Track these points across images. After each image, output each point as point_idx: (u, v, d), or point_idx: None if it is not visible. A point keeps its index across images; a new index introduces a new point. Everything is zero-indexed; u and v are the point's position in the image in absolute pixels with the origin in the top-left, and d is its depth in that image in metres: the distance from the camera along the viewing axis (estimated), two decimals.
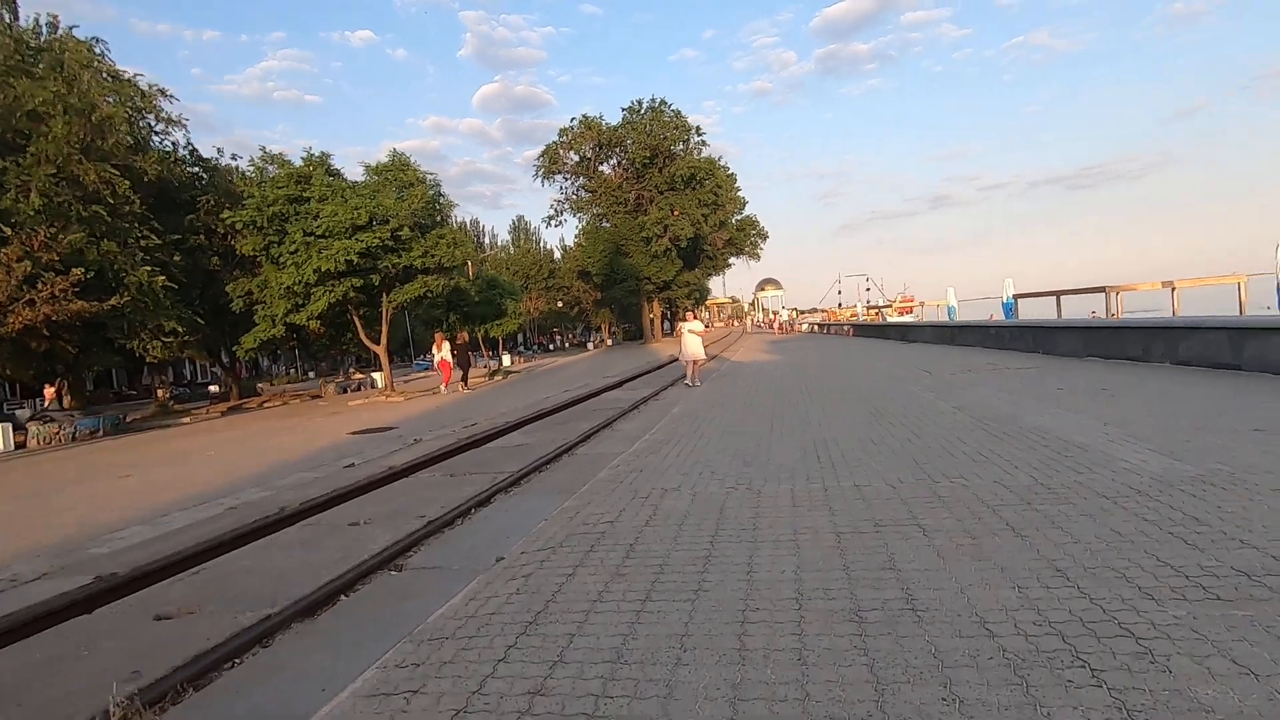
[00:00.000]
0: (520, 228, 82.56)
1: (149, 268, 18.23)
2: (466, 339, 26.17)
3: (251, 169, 19.77)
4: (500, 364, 31.02)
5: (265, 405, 22.06)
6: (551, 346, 70.08)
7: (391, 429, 12.68)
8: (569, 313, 67.60)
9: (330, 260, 17.37)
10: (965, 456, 5.87)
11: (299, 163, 18.96)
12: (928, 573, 3.37)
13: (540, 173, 51.12)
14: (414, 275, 19.85)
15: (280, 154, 19.40)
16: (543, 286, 60.37)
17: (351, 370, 33.97)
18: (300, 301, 18.80)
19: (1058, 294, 27.87)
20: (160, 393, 40.01)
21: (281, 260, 18.15)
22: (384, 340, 20.90)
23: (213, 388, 34.94)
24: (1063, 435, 6.41)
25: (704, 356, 14.87)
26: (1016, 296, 30.11)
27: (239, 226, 18.32)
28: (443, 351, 20.81)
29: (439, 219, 21.00)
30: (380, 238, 17.97)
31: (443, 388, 21.05)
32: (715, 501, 5.09)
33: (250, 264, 21.23)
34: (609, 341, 61.43)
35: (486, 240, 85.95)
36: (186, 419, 19.60)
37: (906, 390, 10.70)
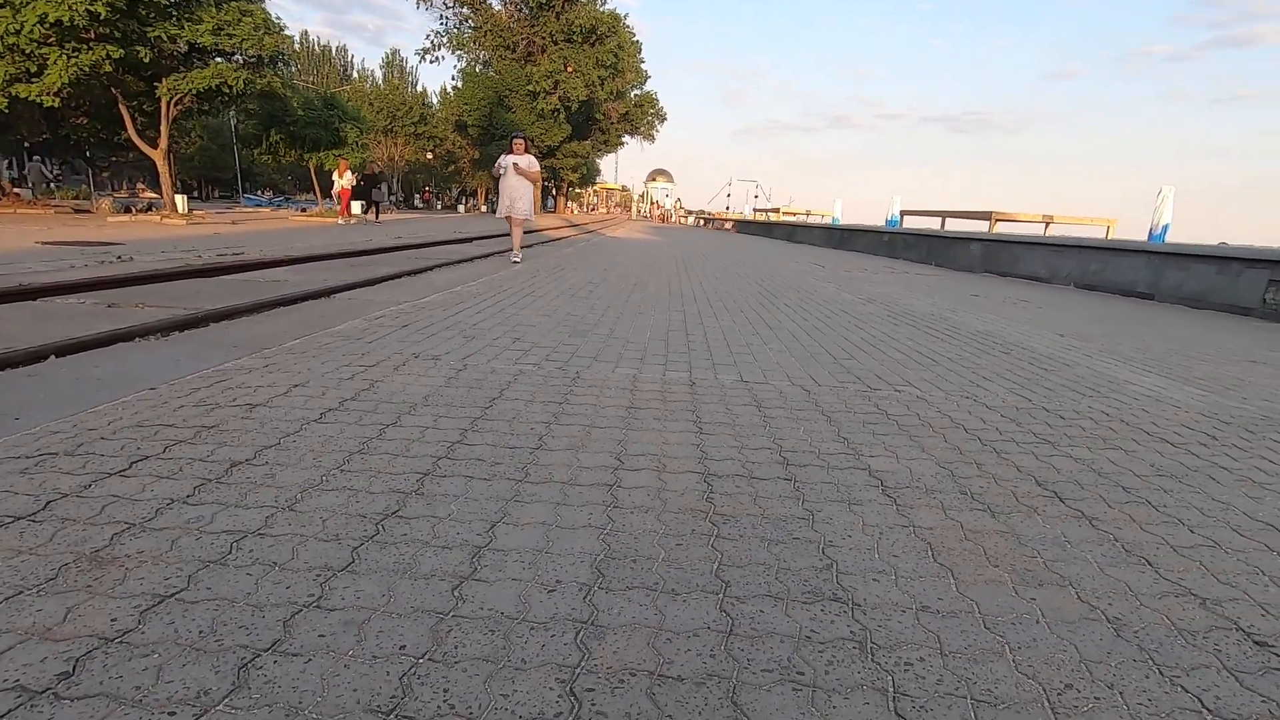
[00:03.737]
0: (394, 63, 71.34)
1: None
2: (376, 170, 24.38)
3: None
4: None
5: None
6: (420, 204, 63.34)
7: (111, 245, 9.09)
8: (442, 170, 60.85)
9: (62, 7, 12.28)
10: (901, 355, 3.86)
11: None
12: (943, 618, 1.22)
13: None
14: (208, 61, 14.90)
15: None
16: (412, 133, 53.03)
17: (139, 186, 27.40)
18: (31, 68, 13.55)
19: (944, 215, 27.16)
20: None
21: None
22: (163, 143, 15.90)
23: None
24: (1020, 342, 4.60)
25: (531, 217, 9.07)
26: (903, 213, 29.39)
27: None
28: (344, 179, 18.91)
29: None
30: None
31: (341, 219, 18.91)
32: (487, 386, 2.70)
33: None
34: (483, 208, 56.17)
35: (355, 74, 74.48)
36: None
37: (801, 278, 8.75)
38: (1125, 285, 9.54)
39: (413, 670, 1.06)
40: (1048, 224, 28.84)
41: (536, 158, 8.93)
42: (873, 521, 1.69)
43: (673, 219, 57.26)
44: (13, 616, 1.13)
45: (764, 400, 2.74)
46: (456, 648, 1.12)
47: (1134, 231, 27.82)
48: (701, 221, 52.12)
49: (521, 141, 8.72)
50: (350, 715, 0.96)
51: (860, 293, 7.28)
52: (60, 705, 0.94)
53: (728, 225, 40.55)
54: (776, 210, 60.88)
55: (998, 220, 27.31)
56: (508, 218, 8.80)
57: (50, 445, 1.91)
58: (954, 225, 29.48)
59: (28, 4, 12.51)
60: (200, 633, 1.12)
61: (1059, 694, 1.10)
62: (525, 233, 9.35)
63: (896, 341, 4.34)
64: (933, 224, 29.93)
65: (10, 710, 0.93)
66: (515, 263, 8.62)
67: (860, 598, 1.34)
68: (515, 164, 8.48)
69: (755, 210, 60.49)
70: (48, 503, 1.55)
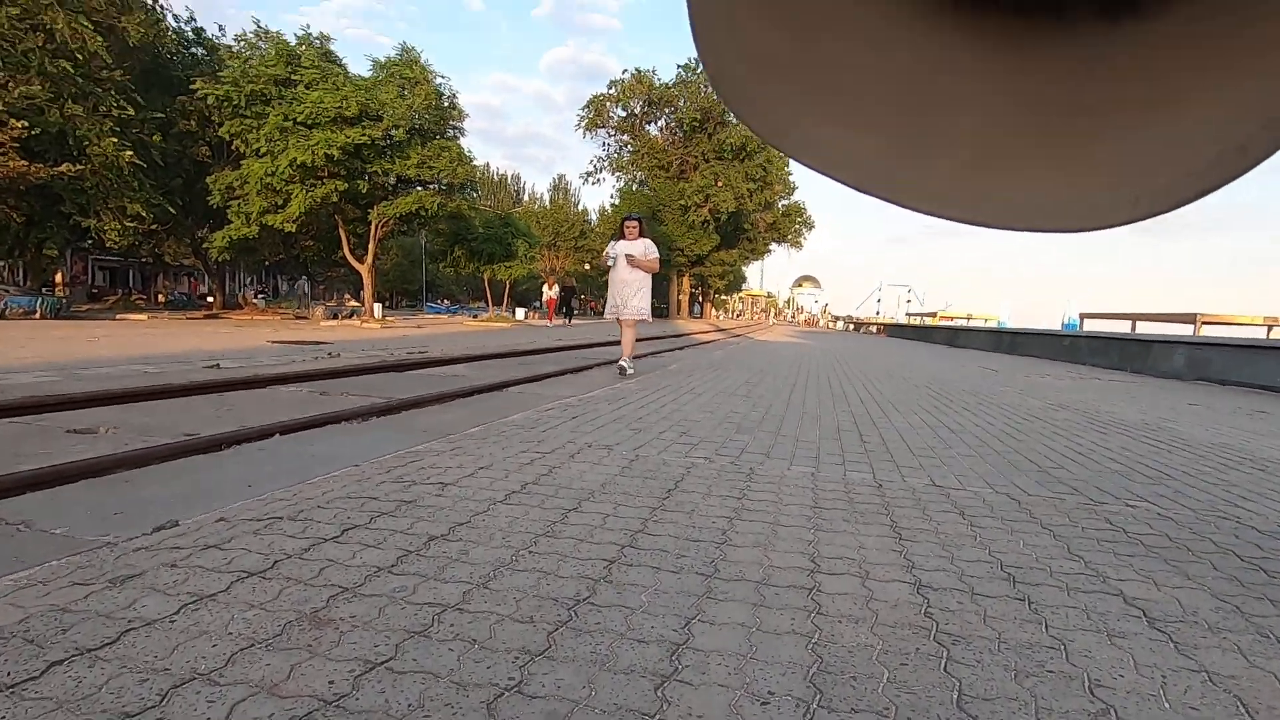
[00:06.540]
0: (560, 186, 79.49)
1: (116, 139, 16.12)
2: (573, 285, 32.55)
3: (240, 45, 17.34)
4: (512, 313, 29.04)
5: (236, 317, 20.01)
6: (575, 311, 67.64)
7: (323, 344, 10.45)
8: (597, 280, 65.13)
9: (308, 153, 15.01)
10: (1121, 466, 3.34)
11: (294, 41, 16.56)
12: None
13: (583, 124, 48.22)
14: (410, 189, 17.41)
15: (277, 33, 17.01)
16: (572, 246, 57.77)
17: (346, 296, 31.91)
18: (278, 201, 16.54)
19: (1134, 318, 24.56)
20: (160, 296, 38.77)
21: (258, 149, 15.84)
22: (370, 259, 18.55)
23: (210, 298, 33.46)
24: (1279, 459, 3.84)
25: (647, 317, 7.03)
26: (1083, 316, 26.94)
27: (211, 102, 16.01)
28: (552, 290, 25.15)
29: (447, 130, 18.46)
30: (370, 136, 15.53)
31: (548, 323, 23.99)
32: (662, 477, 2.65)
33: (240, 158, 19.06)
34: None
35: (525, 197, 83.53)
36: (143, 316, 17.62)
37: (974, 383, 8.11)
38: None
39: None
40: (1270, 327, 25.00)
41: (655, 243, 7.05)
42: (1147, 660, 1.37)
43: (820, 324, 56.56)
44: (247, 668, 1.17)
45: (966, 507, 2.44)
46: None
47: None
48: (850, 326, 50.96)
49: (635, 225, 6.94)
50: None
51: (1049, 399, 6.57)
52: None
53: (873, 329, 39.32)
54: (933, 314, 58.18)
55: (1203, 323, 24.15)
56: (617, 320, 7.07)
57: (276, 510, 2.08)
58: (1145, 329, 26.36)
59: (283, 152, 15.47)
60: (409, 706, 1.08)
61: None
62: (640, 339, 7.66)
63: (1109, 451, 3.78)
64: (1119, 328, 26.99)
65: None
66: (628, 374, 6.94)
67: None
68: (628, 254, 6.76)
69: (909, 315, 58.19)
70: (275, 562, 1.65)
